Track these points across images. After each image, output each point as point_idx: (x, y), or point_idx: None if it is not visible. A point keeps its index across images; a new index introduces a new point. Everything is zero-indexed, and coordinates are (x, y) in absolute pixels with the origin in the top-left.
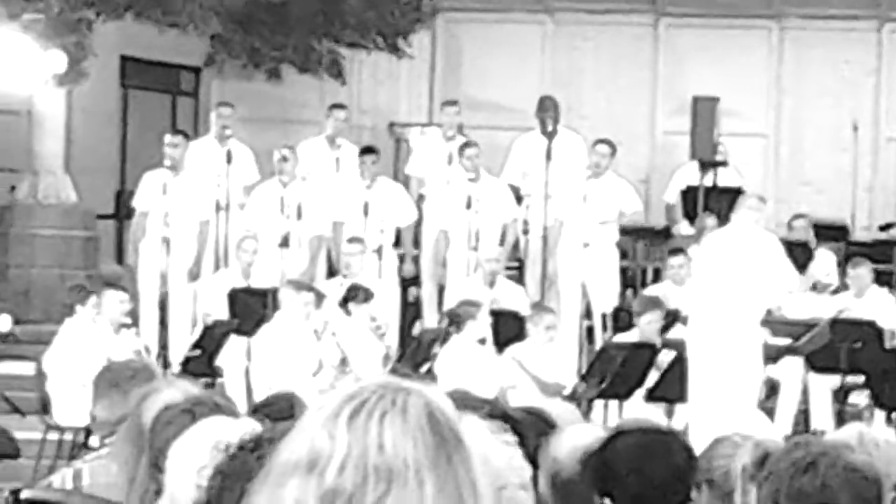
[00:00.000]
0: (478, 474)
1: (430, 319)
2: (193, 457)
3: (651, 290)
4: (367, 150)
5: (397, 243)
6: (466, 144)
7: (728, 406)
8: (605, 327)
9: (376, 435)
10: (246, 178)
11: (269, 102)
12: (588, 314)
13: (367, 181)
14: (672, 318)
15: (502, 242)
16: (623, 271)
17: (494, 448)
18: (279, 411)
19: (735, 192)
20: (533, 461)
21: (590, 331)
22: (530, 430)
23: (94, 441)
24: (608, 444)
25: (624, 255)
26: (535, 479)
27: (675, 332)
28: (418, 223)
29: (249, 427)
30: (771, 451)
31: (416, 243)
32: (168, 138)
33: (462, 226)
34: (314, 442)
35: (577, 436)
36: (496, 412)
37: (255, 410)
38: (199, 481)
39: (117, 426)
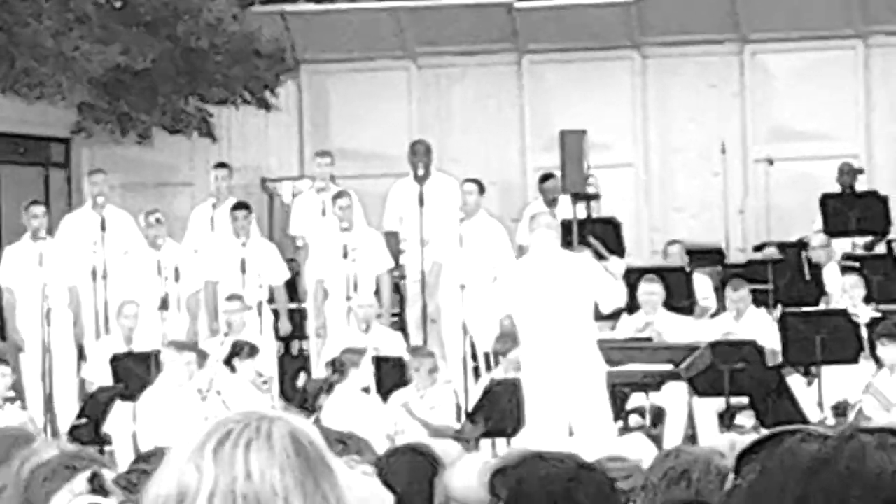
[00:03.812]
0: (346, 497)
1: (317, 371)
2: None
3: None
4: (239, 206)
5: (271, 300)
6: (339, 195)
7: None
8: (488, 366)
9: (243, 464)
10: (125, 243)
11: (141, 167)
12: (473, 355)
13: (242, 238)
14: None
15: (377, 292)
16: None
17: (355, 478)
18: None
19: (608, 223)
20: (394, 492)
21: (476, 370)
22: (402, 465)
23: None
24: (521, 468)
25: None
26: None
27: None
28: (297, 275)
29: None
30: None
31: (295, 297)
32: (31, 210)
33: (339, 275)
34: (182, 476)
35: (471, 466)
36: (352, 447)
37: (136, 463)
38: None
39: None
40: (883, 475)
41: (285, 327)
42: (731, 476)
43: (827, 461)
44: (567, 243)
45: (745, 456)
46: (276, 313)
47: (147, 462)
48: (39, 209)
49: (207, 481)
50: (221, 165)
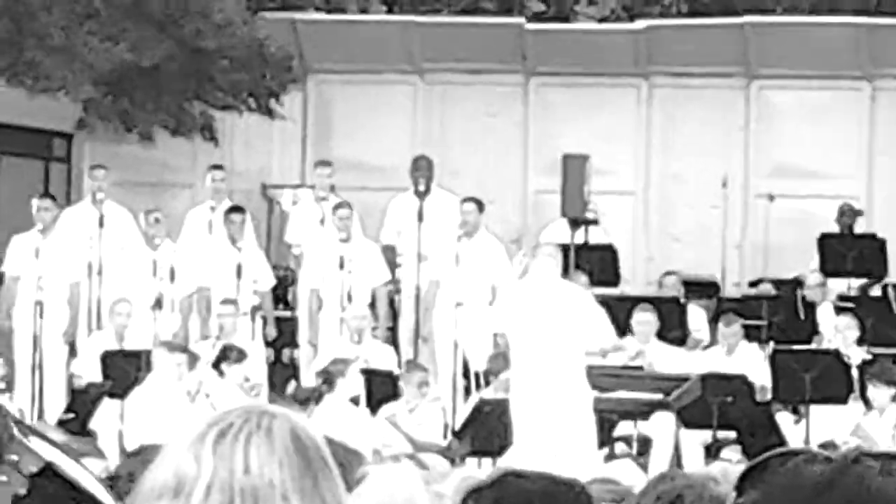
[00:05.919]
0: (343, 497)
1: (306, 381)
2: None
3: None
4: (233, 210)
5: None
6: (339, 205)
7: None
8: (479, 385)
9: (242, 457)
10: (122, 240)
11: (142, 165)
12: (465, 373)
13: (238, 243)
14: None
15: (373, 305)
16: None
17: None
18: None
19: (606, 250)
20: None
21: (467, 389)
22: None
23: None
24: (501, 484)
25: None
26: None
27: None
28: (292, 283)
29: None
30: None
31: (287, 304)
32: (37, 202)
33: (335, 286)
34: (180, 465)
35: (463, 480)
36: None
37: (129, 458)
38: None
39: None
40: (886, 500)
41: (271, 333)
42: (733, 495)
43: (831, 484)
44: (563, 269)
45: (747, 476)
46: (263, 319)
47: (138, 457)
48: (46, 202)
49: (206, 473)
50: (217, 167)
